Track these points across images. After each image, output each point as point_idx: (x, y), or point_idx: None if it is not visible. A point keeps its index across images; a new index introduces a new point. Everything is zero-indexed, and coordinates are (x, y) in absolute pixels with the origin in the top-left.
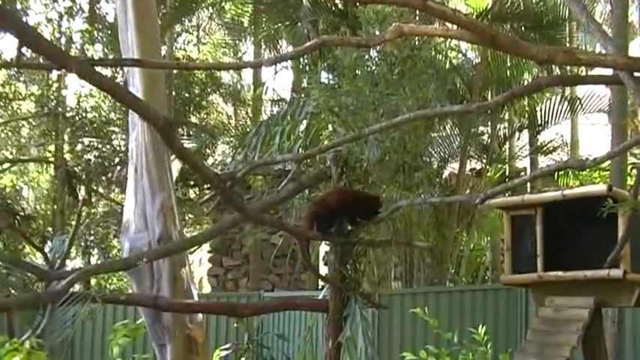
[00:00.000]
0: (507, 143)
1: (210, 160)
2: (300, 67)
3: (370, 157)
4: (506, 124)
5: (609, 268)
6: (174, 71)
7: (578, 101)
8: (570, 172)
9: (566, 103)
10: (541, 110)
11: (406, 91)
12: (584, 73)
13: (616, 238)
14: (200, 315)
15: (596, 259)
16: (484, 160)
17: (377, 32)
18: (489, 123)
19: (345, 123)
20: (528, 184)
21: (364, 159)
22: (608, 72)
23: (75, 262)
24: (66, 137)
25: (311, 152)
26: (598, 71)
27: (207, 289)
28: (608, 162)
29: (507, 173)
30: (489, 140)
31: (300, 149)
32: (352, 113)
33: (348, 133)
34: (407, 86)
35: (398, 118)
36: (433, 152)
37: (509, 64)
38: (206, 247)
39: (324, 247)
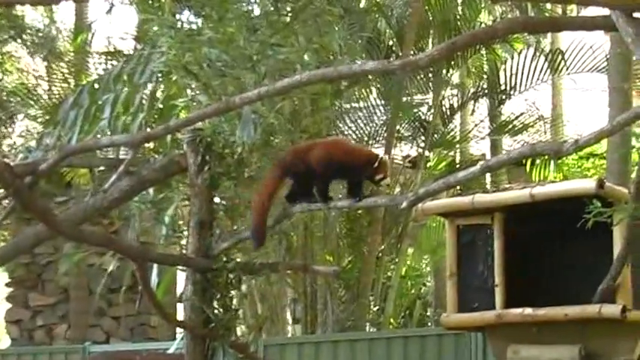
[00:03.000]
0: (457, 118)
1: (4, 144)
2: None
3: (246, 140)
4: (455, 91)
5: (601, 302)
6: None
7: (561, 56)
8: (551, 162)
9: (542, 58)
10: (506, 70)
11: (299, 41)
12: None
13: (610, 259)
14: None
15: (582, 289)
16: (422, 144)
17: None
18: (430, 88)
19: (209, 88)
20: (488, 179)
21: (237, 142)
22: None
23: None
24: None
25: (155, 132)
26: (591, 12)
27: (5, 342)
28: (605, 146)
29: (458, 162)
30: (430, 114)
31: (143, 127)
32: (219, 73)
33: (213, 103)
34: (301, 33)
35: (286, 80)
36: (345, 131)
37: (459, 2)
38: (1, 278)
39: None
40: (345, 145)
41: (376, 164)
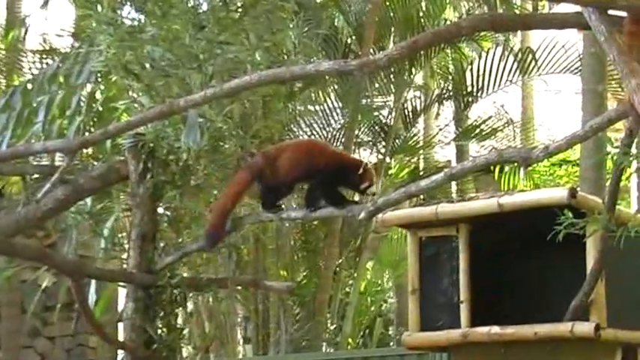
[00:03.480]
0: (420, 122)
1: None
2: None
3: (191, 145)
4: (418, 93)
5: (573, 320)
6: None
7: (532, 56)
8: (521, 170)
9: (512, 58)
10: (473, 70)
11: (249, 39)
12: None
13: (583, 273)
14: None
15: (553, 305)
16: (382, 150)
17: None
18: (391, 90)
19: (151, 89)
20: (453, 187)
21: (182, 148)
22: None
23: None
24: None
25: (93, 137)
26: (564, 9)
27: None
28: (578, 152)
29: (421, 169)
30: (391, 118)
31: (81, 131)
32: (162, 73)
33: (156, 106)
34: (252, 30)
35: (235, 81)
36: (300, 136)
37: None
38: None
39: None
40: (327, 149)
41: (361, 171)
